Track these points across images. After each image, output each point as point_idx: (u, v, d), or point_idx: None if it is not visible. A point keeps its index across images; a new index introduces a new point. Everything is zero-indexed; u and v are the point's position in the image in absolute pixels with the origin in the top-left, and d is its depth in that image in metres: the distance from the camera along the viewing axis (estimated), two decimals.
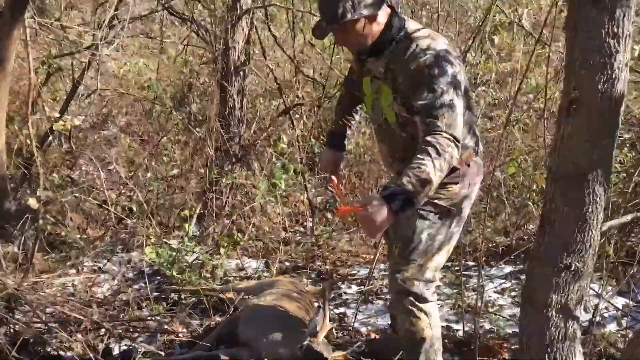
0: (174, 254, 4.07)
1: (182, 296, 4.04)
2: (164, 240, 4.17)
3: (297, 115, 5.56)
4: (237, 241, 4.29)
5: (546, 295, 1.89)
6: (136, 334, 3.46)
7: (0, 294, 3.45)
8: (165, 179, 5.54)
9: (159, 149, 5.95)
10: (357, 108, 2.89)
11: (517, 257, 4.41)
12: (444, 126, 2.14)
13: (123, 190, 5.48)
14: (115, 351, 3.31)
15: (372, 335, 3.35)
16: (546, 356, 1.87)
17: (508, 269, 4.32)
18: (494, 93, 5.80)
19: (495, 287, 4.06)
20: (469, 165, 2.51)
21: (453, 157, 2.14)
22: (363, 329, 3.51)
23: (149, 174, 4.83)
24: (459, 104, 2.22)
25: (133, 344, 3.39)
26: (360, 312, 3.79)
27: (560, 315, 1.85)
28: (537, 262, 1.93)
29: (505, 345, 3.07)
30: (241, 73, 5.27)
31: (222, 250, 4.23)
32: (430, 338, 2.59)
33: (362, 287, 4.05)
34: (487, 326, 3.46)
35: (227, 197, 5.02)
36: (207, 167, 5.07)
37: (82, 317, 3.47)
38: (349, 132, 2.87)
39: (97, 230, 5.32)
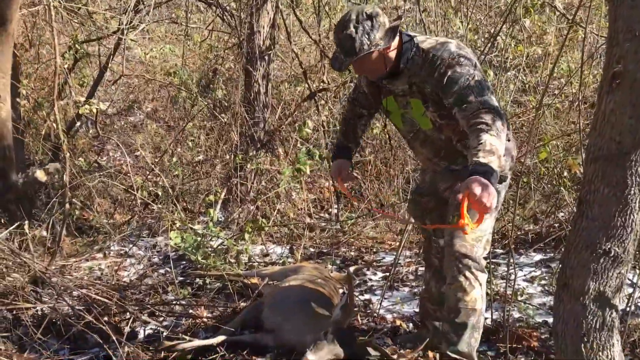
0: (199, 239, 4.06)
1: (207, 281, 4.04)
2: (189, 225, 4.16)
3: (323, 101, 5.49)
4: (261, 226, 4.26)
5: (583, 282, 1.80)
6: (161, 318, 3.46)
7: (27, 276, 3.49)
8: (191, 165, 5.54)
9: (184, 134, 5.95)
10: (363, 125, 2.94)
11: (547, 244, 4.31)
12: (480, 104, 2.24)
13: (149, 176, 5.51)
14: (140, 335, 3.31)
15: (398, 323, 3.29)
16: (582, 345, 1.78)
17: (538, 257, 4.23)
18: (524, 77, 5.65)
19: (525, 275, 3.96)
20: (509, 140, 2.54)
21: (501, 125, 2.20)
22: (388, 316, 3.46)
23: (174, 159, 4.82)
24: (486, 81, 2.34)
25: (158, 328, 3.39)
26: (385, 299, 3.73)
27: (598, 303, 1.75)
28: (573, 247, 1.83)
29: (534, 333, 2.99)
30: (266, 58, 5.23)
31: (246, 236, 4.21)
32: (479, 312, 2.57)
33: (388, 273, 3.99)
34: (515, 315, 3.38)
35: (252, 183, 5.00)
36: (232, 153, 5.05)
37: (107, 301, 3.49)
38: (353, 146, 2.94)
39: (123, 216, 5.38)
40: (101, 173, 4.83)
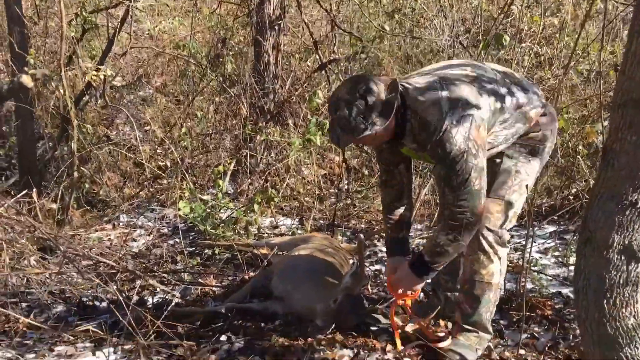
0: (208, 209, 4.03)
1: (216, 251, 4.01)
2: (198, 195, 4.12)
3: (334, 74, 5.40)
4: (271, 197, 4.21)
5: (607, 235, 1.69)
6: (170, 287, 3.44)
7: (35, 242, 3.48)
8: (200, 137, 5.49)
9: (193, 108, 5.89)
10: (405, 206, 2.69)
11: (561, 217, 4.24)
12: (455, 200, 2.27)
13: (159, 150, 5.47)
14: (149, 303, 3.29)
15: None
16: (604, 301, 1.70)
17: (551, 229, 4.16)
18: (539, 49, 5.51)
19: (538, 247, 3.90)
20: (544, 115, 2.49)
21: (468, 226, 2.30)
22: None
23: (183, 130, 4.77)
24: (477, 163, 2.24)
25: (166, 296, 3.37)
26: None
27: (623, 258, 1.67)
28: (598, 198, 1.71)
29: (548, 303, 2.93)
30: (276, 28, 5.14)
31: (255, 207, 4.16)
32: (496, 286, 2.51)
33: None
34: (529, 286, 3.32)
35: (262, 155, 4.94)
36: (241, 124, 4.99)
37: (116, 267, 3.48)
38: (407, 234, 2.72)
39: (133, 189, 5.36)
40: (110, 143, 4.75)
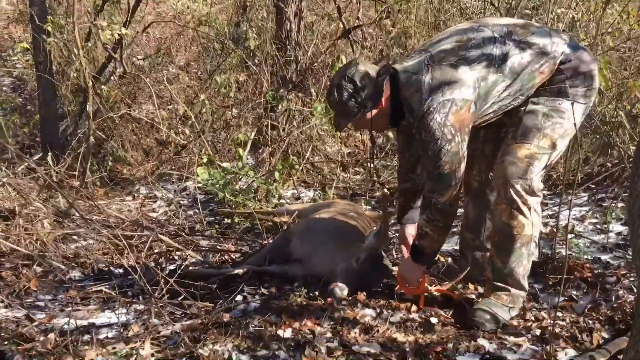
0: (227, 175, 3.90)
1: (236, 220, 3.89)
2: (217, 162, 3.99)
3: (359, 43, 5.22)
4: (292, 165, 4.06)
5: None
6: (187, 254, 3.33)
7: (52, 209, 3.40)
8: (220, 108, 5.36)
9: (216, 85, 5.77)
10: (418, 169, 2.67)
11: (598, 184, 4.01)
12: (427, 179, 2.31)
13: (181, 128, 5.39)
14: (167, 268, 3.18)
15: (436, 256, 3.07)
16: None
17: (587, 196, 3.93)
18: (575, 14, 5.23)
19: (574, 215, 3.68)
20: (568, 61, 2.31)
21: (438, 206, 2.28)
22: None
23: (202, 97, 4.64)
24: (449, 149, 2.23)
25: (184, 262, 3.26)
26: None
27: None
28: None
29: (587, 265, 2.73)
30: None
31: (276, 174, 4.02)
32: (527, 238, 2.31)
33: None
34: (564, 252, 3.11)
35: (284, 125, 4.79)
36: (262, 93, 4.85)
37: (130, 230, 3.38)
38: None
39: (154, 162, 5.29)
40: (124, 112, 4.64)
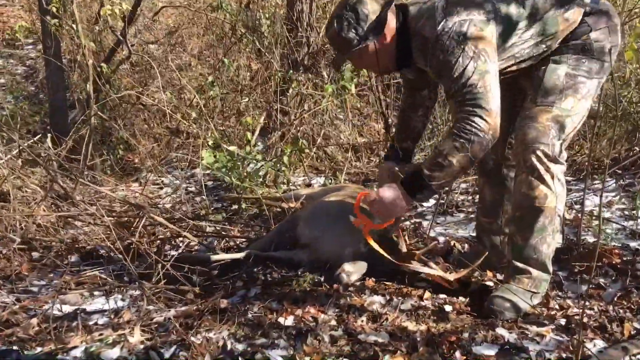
0: (233, 158, 3.73)
1: (243, 206, 3.73)
2: (224, 145, 3.83)
3: None
4: (301, 148, 3.88)
5: None
6: (193, 243, 3.17)
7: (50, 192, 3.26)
8: (229, 92, 5.21)
9: (223, 64, 5.63)
10: (419, 120, 2.51)
11: (625, 169, 3.78)
12: (460, 106, 2.00)
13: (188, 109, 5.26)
14: (170, 254, 3.03)
15: (452, 243, 2.88)
16: None
17: (614, 182, 3.70)
18: None
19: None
20: (590, 14, 2.13)
21: (477, 132, 1.97)
22: (441, 239, 3.05)
23: (210, 78, 4.48)
24: (477, 65, 1.98)
25: (187, 249, 3.11)
26: (437, 223, 3.33)
27: None
28: None
29: (616, 251, 2.52)
30: None
31: (285, 159, 3.84)
32: (551, 211, 2.09)
33: (441, 200, 3.57)
34: (591, 239, 2.91)
35: (295, 109, 4.62)
36: (272, 76, 4.68)
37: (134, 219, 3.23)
38: (409, 145, 2.52)
39: (163, 150, 5.19)
40: (128, 91, 4.51)
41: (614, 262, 2.41)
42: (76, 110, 5.34)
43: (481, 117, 1.95)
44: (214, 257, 2.71)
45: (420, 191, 2.08)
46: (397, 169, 2.45)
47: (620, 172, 3.77)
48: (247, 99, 4.79)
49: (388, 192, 2.11)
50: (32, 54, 7.96)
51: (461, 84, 1.96)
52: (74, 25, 3.36)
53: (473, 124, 1.96)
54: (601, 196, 1.99)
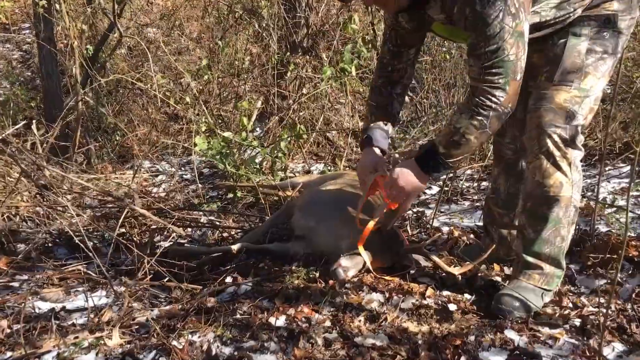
0: (227, 145, 3.57)
1: (238, 194, 3.57)
2: (218, 131, 3.66)
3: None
4: (299, 134, 3.71)
5: None
6: (185, 233, 3.02)
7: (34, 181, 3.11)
8: (229, 75, 5.04)
9: (219, 47, 5.46)
10: (399, 95, 2.22)
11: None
12: (483, 71, 1.77)
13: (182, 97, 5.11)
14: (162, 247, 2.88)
15: (456, 233, 2.72)
16: None
17: (627, 168, 3.52)
18: None
19: (613, 187, 3.29)
20: None
21: (497, 106, 1.79)
22: (445, 229, 2.89)
23: (204, 61, 4.31)
24: (514, 25, 1.73)
25: (178, 240, 2.96)
26: (441, 212, 3.17)
27: None
28: None
29: (633, 242, 2.35)
30: None
31: (282, 145, 3.67)
32: (566, 201, 1.93)
33: (445, 187, 3.40)
34: (604, 228, 2.74)
35: (294, 93, 4.44)
36: (268, 58, 4.50)
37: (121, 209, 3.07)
38: (387, 127, 2.22)
39: (159, 136, 5.05)
40: (120, 74, 4.35)
41: (630, 255, 2.25)
42: (71, 95, 5.20)
43: (504, 90, 1.77)
44: (205, 250, 2.57)
45: (437, 169, 1.92)
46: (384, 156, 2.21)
47: (632, 156, 3.59)
48: (244, 83, 4.60)
49: (404, 171, 1.95)
50: (28, 38, 7.81)
51: (495, 47, 1.73)
52: (57, 6, 3.18)
53: (494, 98, 1.78)
54: (632, 180, 1.82)
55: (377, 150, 2.18)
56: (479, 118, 1.79)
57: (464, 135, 1.83)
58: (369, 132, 2.19)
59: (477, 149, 1.92)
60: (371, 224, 2.13)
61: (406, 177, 1.94)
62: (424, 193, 3.53)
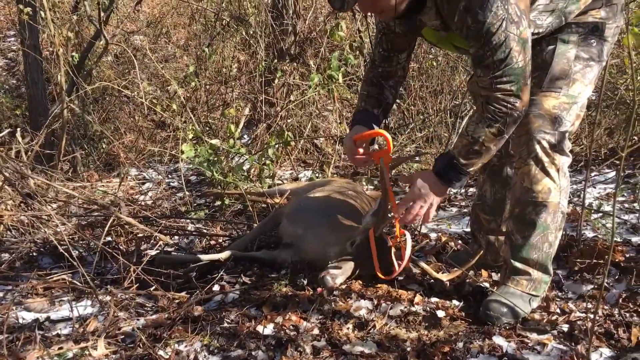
0: (214, 152, 3.55)
1: (226, 202, 3.56)
2: (205, 138, 3.65)
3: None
4: (287, 141, 3.71)
5: None
6: (172, 241, 3.00)
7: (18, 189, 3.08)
8: (216, 83, 5.02)
9: (205, 53, 5.45)
10: (392, 88, 2.22)
11: (624, 160, 3.63)
12: (493, 81, 1.77)
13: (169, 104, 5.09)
14: (148, 255, 2.86)
15: (443, 239, 2.72)
16: None
17: (612, 173, 3.55)
18: None
19: (599, 193, 3.31)
20: None
21: (513, 112, 1.79)
22: (433, 235, 2.89)
23: (190, 68, 4.29)
24: (519, 33, 1.74)
25: (165, 248, 2.94)
26: None
27: None
28: None
29: (619, 248, 2.37)
30: None
31: (270, 152, 3.66)
32: (554, 207, 1.94)
33: None
34: (590, 234, 2.76)
35: (282, 101, 4.43)
36: (256, 65, 4.49)
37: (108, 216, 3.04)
38: (379, 113, 2.20)
39: (145, 144, 5.02)
40: (104, 81, 4.33)
41: (617, 260, 2.26)
42: (57, 103, 5.16)
43: (517, 96, 1.77)
44: (193, 258, 2.54)
45: (458, 178, 1.91)
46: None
47: (618, 162, 3.62)
48: (232, 90, 4.59)
49: (425, 182, 1.93)
50: (14, 46, 7.76)
51: (502, 56, 1.74)
52: (42, 13, 3.15)
53: (509, 105, 1.78)
54: (618, 183, 1.83)
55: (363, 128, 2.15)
56: (497, 125, 1.80)
57: (483, 144, 1.83)
58: (357, 115, 2.19)
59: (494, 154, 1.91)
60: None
61: (430, 187, 1.93)
62: None
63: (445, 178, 1.91)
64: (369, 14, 2.34)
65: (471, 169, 1.89)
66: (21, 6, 4.04)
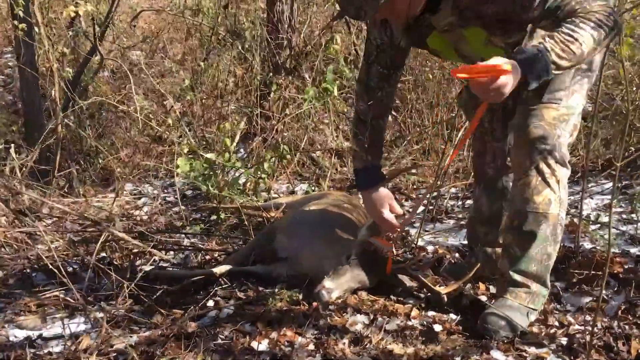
0: (209, 166, 3.54)
1: (222, 216, 3.53)
2: (200, 152, 3.63)
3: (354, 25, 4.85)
4: (283, 154, 3.69)
5: None
6: (168, 256, 2.97)
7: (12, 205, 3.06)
8: (212, 97, 5.03)
9: (202, 68, 5.46)
10: (385, 123, 2.24)
11: (621, 170, 3.62)
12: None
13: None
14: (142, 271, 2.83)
15: (440, 252, 2.70)
16: None
17: (609, 184, 3.54)
18: None
19: (597, 204, 3.30)
20: None
21: (615, 26, 1.70)
22: (430, 248, 2.87)
23: (186, 82, 4.29)
24: None
25: (160, 264, 2.91)
26: (426, 231, 3.15)
27: None
28: None
29: (617, 259, 2.35)
30: None
31: (265, 165, 3.65)
32: (554, 218, 1.91)
33: (430, 206, 3.39)
34: (588, 245, 2.74)
35: (279, 114, 4.43)
36: (252, 79, 4.49)
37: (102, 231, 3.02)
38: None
39: (141, 158, 5.01)
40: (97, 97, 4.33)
41: (615, 271, 2.24)
42: (52, 119, 5.16)
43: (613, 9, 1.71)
44: (188, 273, 2.52)
45: (544, 74, 1.69)
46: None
47: (614, 173, 3.60)
48: (227, 104, 4.59)
49: (507, 86, 1.66)
50: (10, 62, 7.77)
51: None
52: (36, 29, 3.15)
53: (611, 17, 1.70)
54: (613, 195, 1.82)
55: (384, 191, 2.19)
56: (601, 30, 1.70)
57: (582, 45, 1.68)
58: (369, 173, 2.21)
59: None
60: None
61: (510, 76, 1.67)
62: (409, 212, 3.51)
63: (527, 68, 1.68)
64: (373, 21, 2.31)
65: (555, 72, 1.72)
66: (16, 22, 4.05)
